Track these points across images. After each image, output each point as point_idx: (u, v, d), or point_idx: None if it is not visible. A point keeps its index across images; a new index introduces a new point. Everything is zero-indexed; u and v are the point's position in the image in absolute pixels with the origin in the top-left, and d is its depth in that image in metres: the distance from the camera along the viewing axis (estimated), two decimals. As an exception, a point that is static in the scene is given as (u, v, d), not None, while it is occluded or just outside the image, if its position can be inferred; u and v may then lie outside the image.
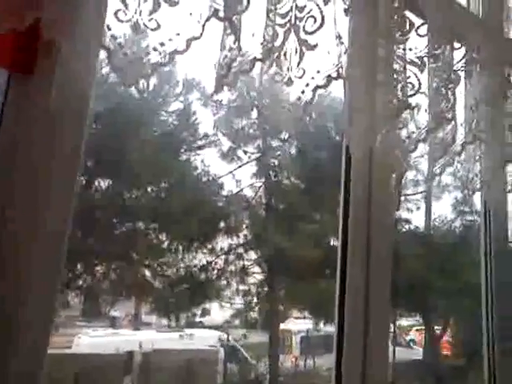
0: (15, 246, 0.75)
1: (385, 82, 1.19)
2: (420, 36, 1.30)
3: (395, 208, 1.33)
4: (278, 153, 5.93)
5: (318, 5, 1.03)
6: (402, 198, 5.82)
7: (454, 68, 1.31)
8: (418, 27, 1.29)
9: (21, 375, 0.75)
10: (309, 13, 1.02)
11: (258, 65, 1.00)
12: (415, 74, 1.26)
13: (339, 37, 1.07)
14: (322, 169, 5.40)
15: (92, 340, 5.10)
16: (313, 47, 1.01)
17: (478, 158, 1.44)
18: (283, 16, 1.03)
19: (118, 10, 0.85)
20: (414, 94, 1.25)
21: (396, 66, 1.22)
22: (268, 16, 1.01)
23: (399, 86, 1.22)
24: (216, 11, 0.88)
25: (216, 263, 5.56)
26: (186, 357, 4.87)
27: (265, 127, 5.29)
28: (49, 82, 0.78)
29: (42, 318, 0.77)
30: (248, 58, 0.95)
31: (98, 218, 5.01)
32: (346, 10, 1.12)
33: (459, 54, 1.35)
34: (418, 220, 6.32)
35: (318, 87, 1.01)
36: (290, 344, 6.19)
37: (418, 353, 6.42)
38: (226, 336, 5.63)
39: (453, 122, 1.28)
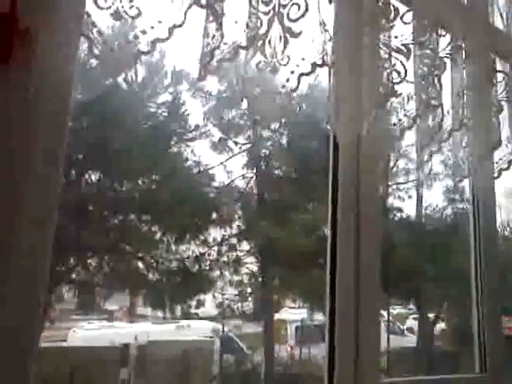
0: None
1: (370, 69, 1.19)
2: (405, 23, 1.29)
3: (383, 196, 1.33)
4: (269, 143, 5.93)
5: (301, -8, 1.02)
6: (394, 187, 5.85)
7: (440, 55, 1.31)
8: (403, 14, 1.28)
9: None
10: (292, 0, 1.01)
11: (243, 53, 0.99)
12: (401, 62, 1.26)
13: (323, 24, 1.07)
14: (312, 158, 5.40)
15: (87, 333, 5.11)
16: (297, 35, 1.01)
17: (464, 144, 1.44)
18: (267, 3, 1.02)
19: (98, -2, 0.84)
20: (400, 82, 1.24)
21: (381, 54, 1.22)
22: (251, 3, 1.00)
23: (385, 73, 1.22)
24: (197, -2, 0.87)
25: (209, 254, 5.57)
26: (181, 348, 4.90)
27: (255, 117, 5.28)
28: (27, 71, 0.77)
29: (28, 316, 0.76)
30: (232, 45, 0.94)
31: (90, 210, 5.00)
32: (330, -3, 1.11)
33: (445, 41, 1.34)
34: (409, 208, 6.36)
35: (302, 74, 1.01)
36: (285, 334, 6.22)
37: (412, 340, 6.49)
38: (220, 327, 5.66)
39: (439, 109, 1.28)
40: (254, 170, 5.86)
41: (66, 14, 0.81)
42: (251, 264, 5.83)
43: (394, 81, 1.23)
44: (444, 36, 1.34)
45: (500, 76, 1.55)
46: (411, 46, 1.28)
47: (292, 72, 1.02)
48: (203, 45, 0.92)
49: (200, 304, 5.82)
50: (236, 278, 5.72)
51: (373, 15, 1.20)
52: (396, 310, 6.67)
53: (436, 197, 6.55)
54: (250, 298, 5.94)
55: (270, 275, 5.84)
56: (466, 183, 1.74)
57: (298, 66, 1.02)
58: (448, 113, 1.36)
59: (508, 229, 6.48)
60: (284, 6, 1.02)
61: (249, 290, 5.88)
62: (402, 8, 1.28)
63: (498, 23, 1.68)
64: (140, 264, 5.45)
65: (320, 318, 6.18)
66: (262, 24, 1.01)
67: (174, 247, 5.43)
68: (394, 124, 1.28)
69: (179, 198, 5.07)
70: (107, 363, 4.59)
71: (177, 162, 5.43)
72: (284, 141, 5.93)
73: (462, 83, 1.40)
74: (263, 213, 5.61)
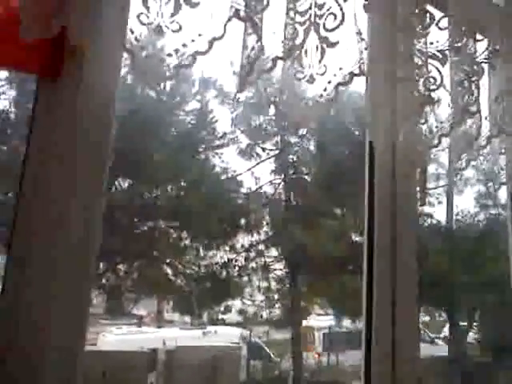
0: (42, 251, 0.77)
1: (406, 77, 1.18)
2: (441, 29, 1.27)
3: (420, 202, 1.31)
4: (297, 149, 5.91)
5: (337, 2, 1.02)
6: (424, 192, 5.72)
7: (477, 60, 1.29)
8: (439, 20, 1.27)
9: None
10: (328, 10, 1.02)
11: (280, 63, 1.00)
12: (437, 68, 1.24)
13: (359, 33, 1.06)
14: (341, 164, 5.37)
15: (116, 338, 5.18)
16: (333, 44, 1.01)
17: (503, 151, 1.41)
18: (302, 14, 1.03)
19: (141, 14, 0.86)
20: (437, 89, 1.23)
21: (417, 61, 1.21)
22: (288, 14, 1.01)
23: (421, 80, 1.20)
24: (237, 11, 0.88)
25: (237, 260, 5.59)
26: (209, 354, 4.91)
27: (283, 124, 5.28)
28: (75, 84, 0.80)
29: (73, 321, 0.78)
30: (270, 56, 0.95)
31: (120, 217, 5.08)
32: (365, 6, 1.11)
33: (482, 45, 1.32)
34: (439, 214, 6.24)
35: (340, 84, 1.01)
36: (313, 340, 6.18)
37: (442, 349, 6.34)
38: (248, 333, 5.65)
39: (477, 116, 1.26)
40: (282, 176, 5.86)
41: (111, 32, 0.84)
42: (279, 270, 5.82)
43: (430, 87, 1.22)
44: (481, 41, 1.31)
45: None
46: (447, 52, 1.26)
47: (329, 82, 1.02)
48: (242, 57, 0.93)
49: (227, 310, 5.83)
50: (264, 284, 5.71)
51: (408, 22, 1.19)
52: (425, 317, 6.54)
53: (467, 202, 6.42)
54: (277, 305, 5.92)
55: (297, 281, 5.82)
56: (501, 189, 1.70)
57: (335, 75, 1.02)
58: (486, 119, 1.34)
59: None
60: (320, 17, 1.02)
61: (276, 296, 5.86)
62: (438, 14, 1.27)
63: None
64: (168, 270, 5.50)
65: (348, 324, 6.12)
66: (298, 34, 1.01)
67: (202, 253, 5.47)
68: (431, 131, 1.27)
69: (207, 205, 5.11)
70: (135, 368, 4.64)
71: (205, 169, 5.48)
72: (312, 146, 5.91)
73: (501, 88, 1.37)
74: (291, 219, 5.60)
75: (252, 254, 5.64)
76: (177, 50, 0.90)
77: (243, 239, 5.63)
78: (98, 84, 0.84)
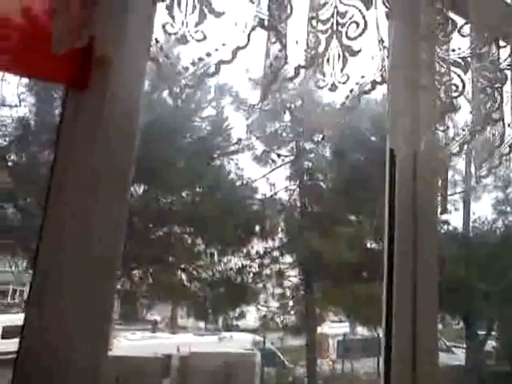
0: (69, 258, 0.78)
1: (427, 84, 1.17)
2: (463, 36, 1.27)
3: (441, 209, 1.30)
4: (312, 155, 5.91)
5: (360, 10, 1.02)
6: (441, 199, 5.67)
7: (501, 67, 1.28)
8: (461, 27, 1.26)
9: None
10: (351, 18, 1.02)
11: (302, 71, 1.00)
12: (459, 76, 1.23)
13: (381, 41, 1.06)
14: (357, 170, 5.34)
15: (130, 343, 5.20)
16: (356, 52, 1.01)
17: (526, 158, 1.39)
18: (324, 22, 1.03)
19: (166, 23, 0.87)
20: (459, 96, 1.22)
21: (438, 68, 1.20)
22: (310, 23, 1.01)
23: (442, 88, 1.20)
24: (261, 20, 0.89)
25: (251, 266, 5.58)
26: (223, 360, 4.90)
27: (298, 130, 5.28)
28: (103, 94, 0.81)
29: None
30: (292, 65, 0.95)
31: (135, 222, 5.11)
32: (387, 14, 1.11)
33: (505, 52, 1.31)
34: (456, 221, 6.17)
35: (363, 92, 1.01)
36: (327, 348, 6.14)
37: (458, 358, 6.25)
38: (262, 339, 5.63)
39: (500, 123, 1.25)
40: (297, 182, 5.85)
41: (136, 41, 0.85)
42: (294, 277, 5.80)
43: (452, 95, 1.21)
44: (504, 47, 1.30)
45: None
46: (469, 59, 1.25)
47: (351, 90, 1.02)
48: (265, 65, 0.93)
49: (241, 316, 5.82)
50: (278, 290, 5.70)
51: (430, 29, 1.19)
52: (442, 325, 6.45)
53: (485, 209, 6.33)
54: (292, 311, 5.90)
55: (312, 288, 5.79)
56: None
57: (357, 83, 1.02)
58: (509, 126, 1.32)
59: None
60: (343, 25, 1.02)
61: (291, 303, 5.84)
62: (460, 21, 1.26)
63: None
64: (183, 275, 5.52)
65: (363, 332, 6.07)
66: (320, 43, 1.01)
67: (217, 259, 5.48)
68: (452, 139, 1.26)
69: (222, 211, 5.12)
70: (149, 374, 4.65)
71: (220, 175, 5.50)
72: (327, 153, 5.90)
73: (524, 95, 1.35)
74: (306, 225, 5.58)
75: (267, 261, 5.63)
76: (201, 59, 0.90)
77: (258, 245, 5.63)
78: (124, 92, 0.85)
